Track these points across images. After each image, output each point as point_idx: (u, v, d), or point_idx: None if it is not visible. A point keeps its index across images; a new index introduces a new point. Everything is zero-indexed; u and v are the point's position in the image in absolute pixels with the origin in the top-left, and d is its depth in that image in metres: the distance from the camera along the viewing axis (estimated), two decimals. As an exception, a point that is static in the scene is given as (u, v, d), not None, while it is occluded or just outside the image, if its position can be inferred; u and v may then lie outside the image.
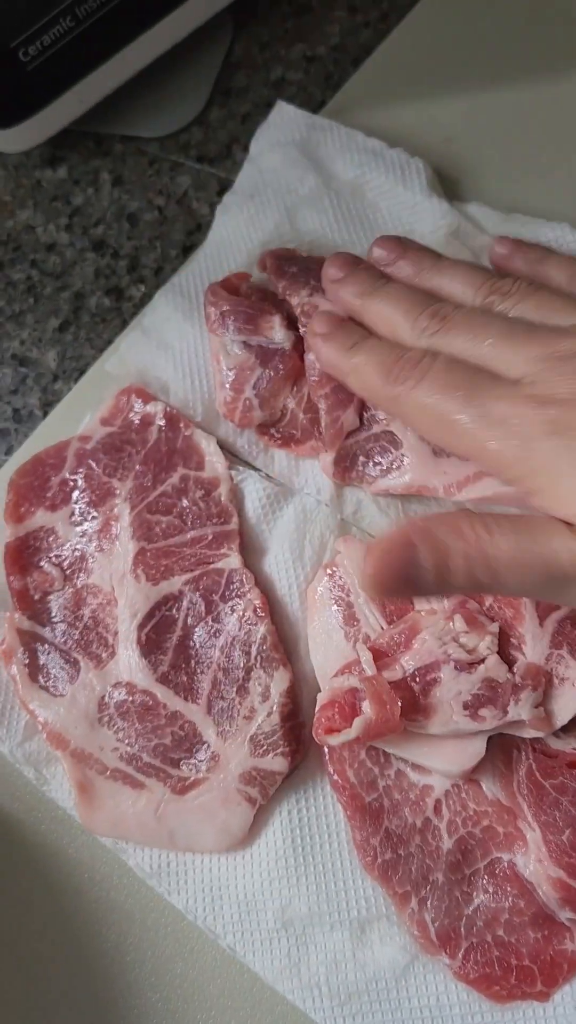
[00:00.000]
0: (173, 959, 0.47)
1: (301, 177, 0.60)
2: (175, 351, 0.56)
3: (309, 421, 0.52)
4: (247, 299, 0.55)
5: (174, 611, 0.50)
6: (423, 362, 0.41)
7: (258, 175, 0.61)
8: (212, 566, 0.50)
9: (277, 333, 0.53)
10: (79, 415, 0.58)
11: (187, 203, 0.66)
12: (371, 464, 0.51)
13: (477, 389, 0.38)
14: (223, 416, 0.53)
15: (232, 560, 0.50)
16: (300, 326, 0.53)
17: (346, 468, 0.51)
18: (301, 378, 0.53)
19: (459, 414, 0.38)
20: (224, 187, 0.66)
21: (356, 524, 0.52)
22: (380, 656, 0.46)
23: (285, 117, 0.63)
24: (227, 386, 0.53)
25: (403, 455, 0.50)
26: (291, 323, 0.54)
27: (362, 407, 0.51)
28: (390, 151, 0.59)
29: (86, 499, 0.53)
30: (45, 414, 0.62)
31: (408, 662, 0.45)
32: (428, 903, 0.44)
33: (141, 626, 0.50)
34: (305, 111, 0.63)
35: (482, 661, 0.44)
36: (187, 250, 0.64)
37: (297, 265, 0.55)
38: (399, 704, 0.43)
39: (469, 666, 0.44)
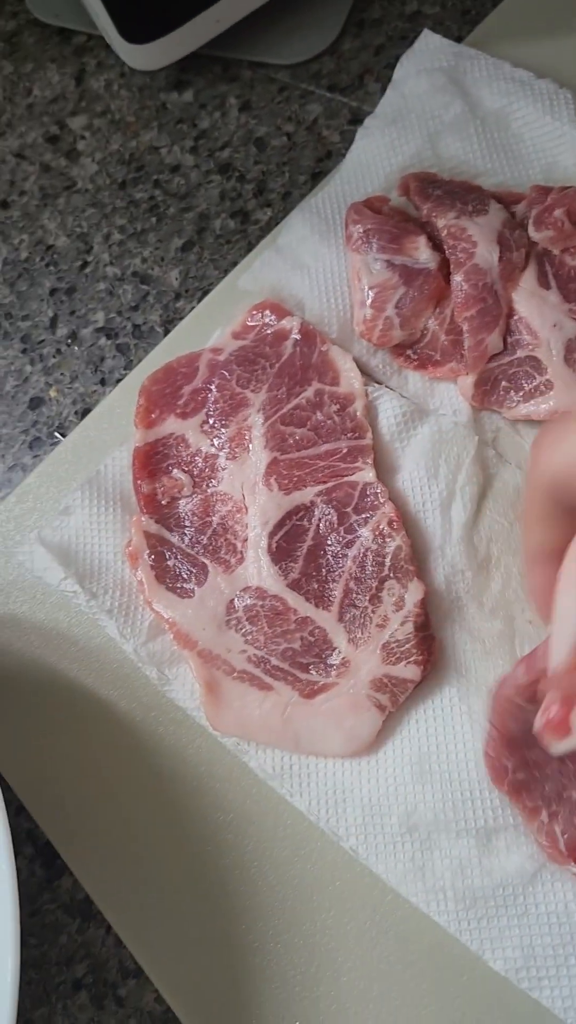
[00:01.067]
0: (291, 861, 0.47)
1: (447, 103, 0.59)
2: (310, 270, 0.57)
3: (450, 343, 0.52)
4: (390, 219, 0.54)
5: (305, 521, 0.50)
6: None
7: (401, 100, 0.61)
8: (346, 479, 0.50)
9: (422, 253, 0.52)
10: (202, 332, 0.58)
11: (317, 130, 0.66)
12: (513, 389, 0.51)
13: None
14: (360, 335, 0.53)
15: (367, 474, 0.50)
16: (446, 248, 0.53)
17: (487, 392, 0.51)
18: (444, 300, 0.53)
19: None
20: (356, 117, 0.66)
21: (494, 447, 0.51)
22: None
23: (431, 45, 0.62)
24: (367, 304, 0.53)
25: (548, 380, 0.50)
26: (436, 245, 0.53)
27: (507, 331, 0.51)
28: (538, 81, 0.59)
29: (219, 408, 0.53)
30: (166, 332, 0.62)
31: None
32: (559, 816, 0.44)
33: (272, 534, 0.50)
34: (450, 41, 0.62)
35: None
36: (316, 176, 0.64)
37: (441, 188, 0.54)
38: None
39: None
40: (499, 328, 0.51)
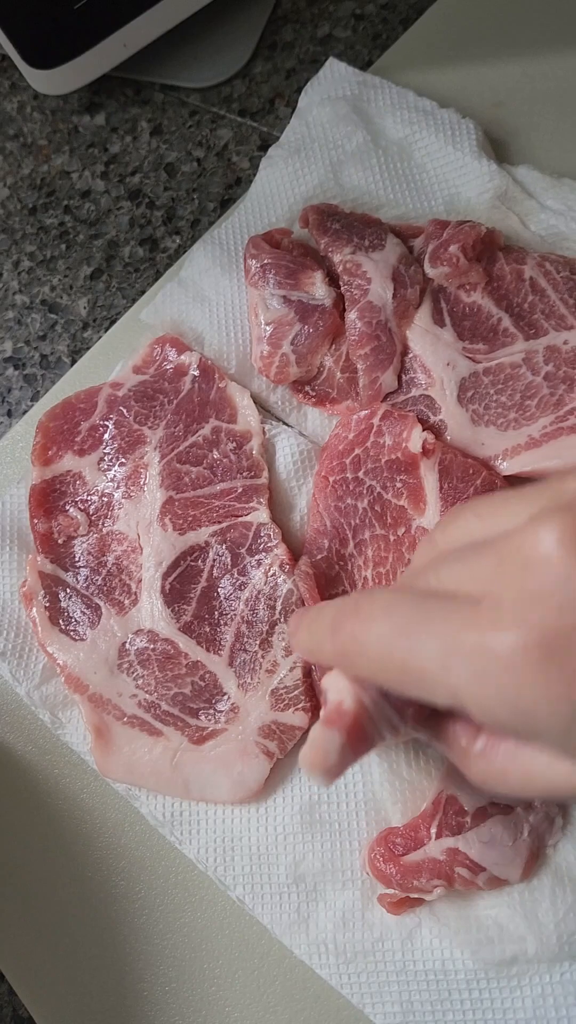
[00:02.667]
0: (182, 908, 0.47)
1: (349, 133, 0.59)
2: (211, 303, 0.56)
3: (346, 380, 0.52)
4: (288, 253, 0.54)
5: (200, 562, 0.49)
6: None
7: (305, 129, 0.60)
8: (240, 519, 0.50)
9: (319, 289, 0.52)
10: (108, 363, 0.58)
11: (227, 156, 0.65)
12: (407, 428, 0.50)
13: None
14: (258, 371, 0.53)
15: (261, 514, 0.50)
16: (341, 284, 0.52)
17: None
18: (340, 336, 0.52)
19: None
20: (265, 142, 0.65)
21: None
22: None
23: (336, 73, 0.62)
24: (264, 341, 0.52)
25: (442, 420, 0.49)
26: (333, 280, 0.53)
27: (401, 369, 0.51)
28: (441, 111, 0.58)
29: (116, 445, 0.52)
30: (73, 361, 0.61)
31: None
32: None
33: (166, 575, 0.49)
34: (356, 69, 0.62)
35: None
36: (225, 203, 0.64)
37: (340, 222, 0.54)
38: None
39: None
40: (393, 366, 0.50)
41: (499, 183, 0.55)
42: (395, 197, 0.57)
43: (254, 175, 0.63)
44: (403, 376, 0.51)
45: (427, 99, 0.59)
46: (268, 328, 0.52)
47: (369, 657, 0.30)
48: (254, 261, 0.53)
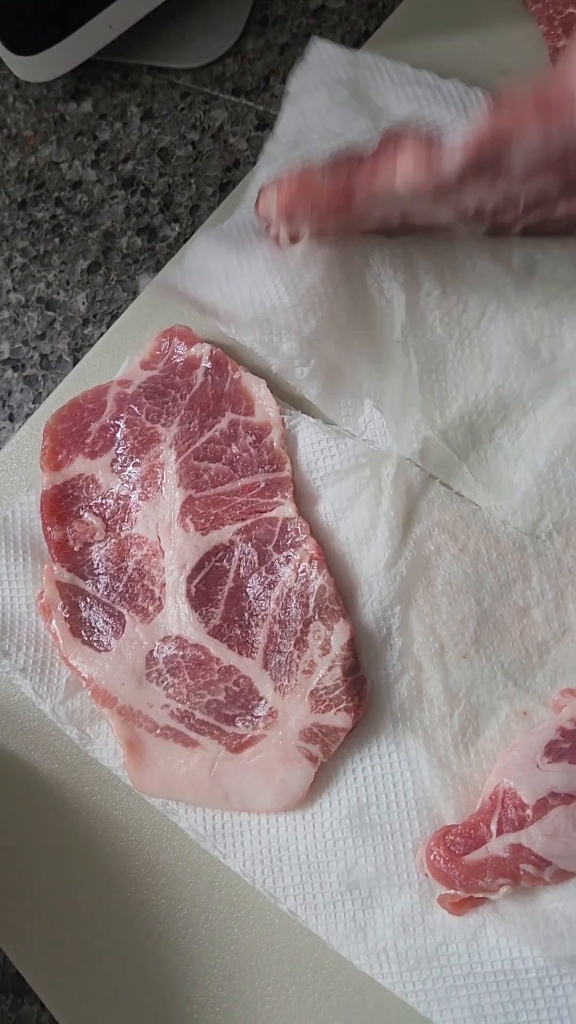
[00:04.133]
0: (228, 924, 0.45)
1: (350, 120, 0.55)
2: (234, 281, 0.52)
3: None
4: None
5: (225, 562, 0.47)
6: None
7: (301, 119, 0.57)
8: (265, 515, 0.48)
9: None
10: (113, 360, 0.55)
11: (223, 138, 0.63)
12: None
13: None
14: None
15: (286, 508, 0.48)
16: None
17: None
18: None
19: None
20: (262, 121, 0.63)
21: (418, 463, 0.49)
22: None
23: (324, 55, 0.58)
24: None
25: None
26: None
27: None
28: (445, 82, 0.56)
29: (129, 445, 0.50)
30: (76, 360, 0.59)
31: None
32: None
33: (191, 578, 0.47)
34: (345, 47, 0.59)
35: None
36: (224, 187, 0.61)
37: None
38: None
39: None
40: None
41: None
42: None
43: (253, 156, 0.61)
44: None
45: (427, 72, 0.56)
46: None
47: None
48: None
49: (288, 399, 0.52)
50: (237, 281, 0.52)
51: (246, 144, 0.62)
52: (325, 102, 0.57)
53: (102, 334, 0.58)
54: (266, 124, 0.62)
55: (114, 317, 0.59)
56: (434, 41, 0.60)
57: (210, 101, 0.64)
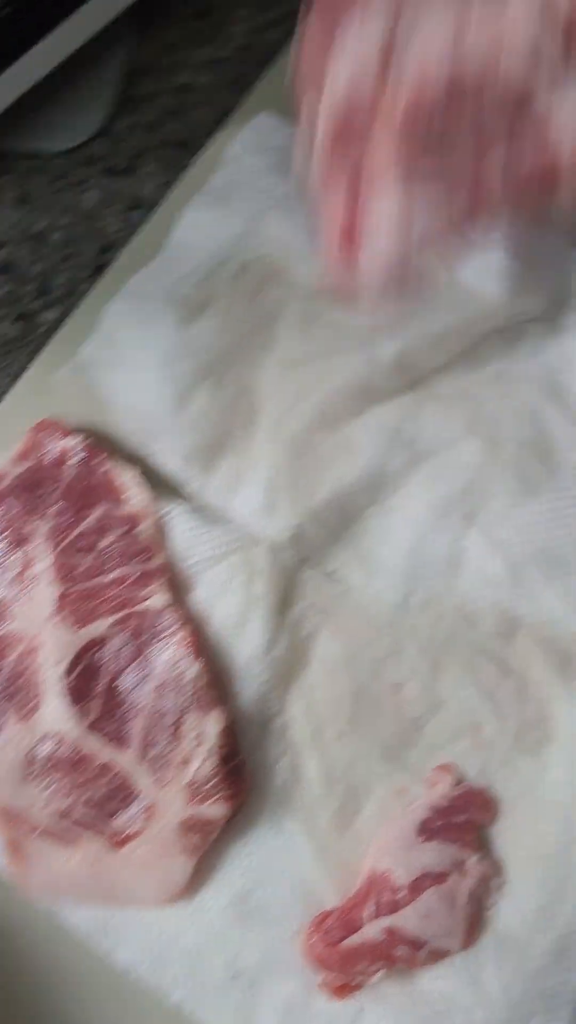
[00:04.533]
0: (120, 1022, 0.45)
1: (275, 183, 0.57)
2: (125, 367, 0.54)
3: None
4: None
5: (101, 656, 0.48)
6: None
7: (230, 178, 0.59)
8: (138, 607, 0.48)
9: None
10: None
11: (97, 220, 0.63)
12: None
13: None
14: None
15: (158, 599, 0.48)
16: None
17: None
18: None
19: None
20: (135, 202, 0.63)
21: (290, 547, 0.50)
22: None
23: (266, 125, 0.60)
24: None
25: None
26: None
27: None
28: None
29: (3, 541, 0.50)
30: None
31: None
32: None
33: (67, 673, 0.47)
34: (285, 120, 0.60)
35: None
36: (99, 269, 0.62)
37: None
38: None
39: None
40: None
41: None
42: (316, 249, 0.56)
43: (127, 237, 0.62)
44: None
45: None
46: None
47: None
48: None
49: (163, 483, 0.52)
50: (135, 367, 0.54)
51: (119, 224, 0.63)
52: (256, 165, 0.59)
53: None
54: (139, 204, 0.63)
55: (-9, 408, 0.59)
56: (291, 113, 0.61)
57: (82, 183, 0.65)
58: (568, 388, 0.52)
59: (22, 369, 0.60)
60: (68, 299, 0.61)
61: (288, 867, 0.45)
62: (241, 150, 0.60)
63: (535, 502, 0.49)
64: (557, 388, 0.52)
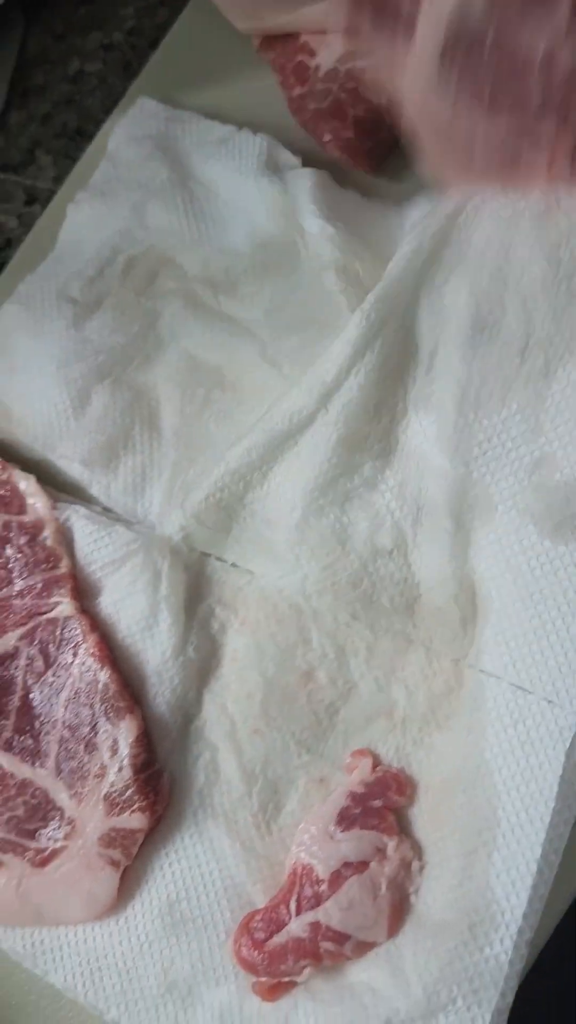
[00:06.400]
0: (61, 1041, 0.44)
1: (155, 172, 0.56)
2: (18, 370, 0.52)
3: None
4: None
5: (12, 670, 0.46)
6: None
7: (112, 171, 0.57)
8: (45, 615, 0.47)
9: None
10: None
11: (-7, 218, 0.62)
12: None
13: None
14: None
15: (65, 607, 0.47)
16: None
17: None
18: None
19: None
20: (31, 196, 0.62)
21: (185, 544, 0.48)
22: None
23: (145, 111, 0.59)
24: None
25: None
26: None
27: None
28: (238, 134, 0.56)
29: None
30: None
31: None
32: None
33: (-22, 691, 0.46)
34: (166, 105, 0.59)
35: None
36: (-2, 269, 0.60)
37: None
38: None
39: None
40: None
41: (280, 201, 0.53)
42: (200, 236, 0.54)
43: (24, 234, 0.60)
44: None
45: (229, 125, 0.56)
46: None
47: None
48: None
49: (64, 487, 0.51)
50: (30, 373, 0.52)
51: (16, 222, 0.61)
52: (135, 155, 0.57)
53: None
54: (35, 198, 0.61)
55: None
56: (181, 96, 0.59)
57: (-23, 181, 0.63)
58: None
59: None
60: (-33, 304, 0.60)
61: (215, 871, 0.43)
62: (121, 140, 0.58)
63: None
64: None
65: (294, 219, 0.54)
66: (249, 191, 0.55)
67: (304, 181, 0.54)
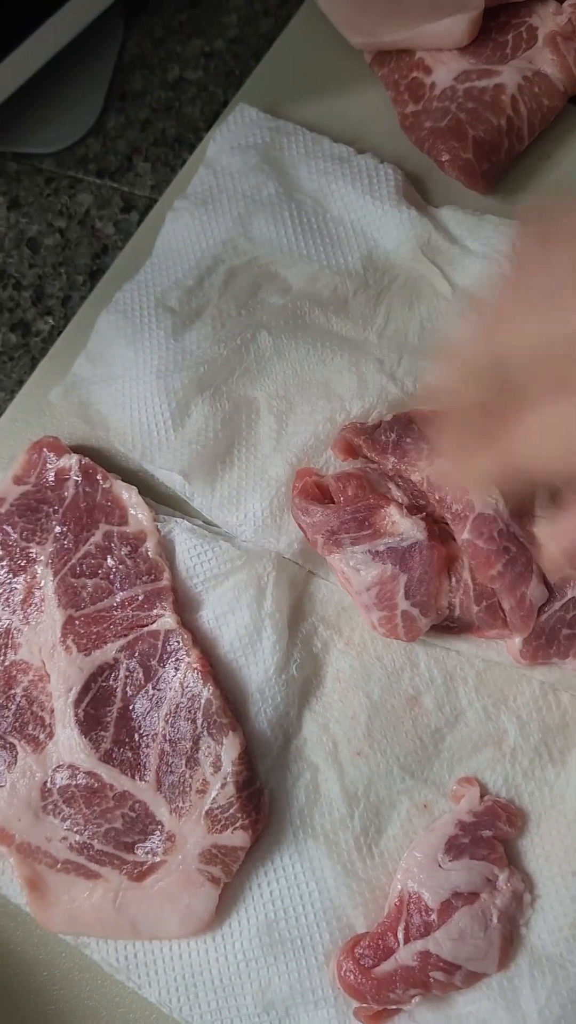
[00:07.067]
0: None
1: (260, 184, 0.55)
2: (117, 381, 0.52)
3: (486, 610, 0.44)
4: (345, 499, 0.46)
5: (111, 681, 0.46)
6: None
7: (213, 179, 0.56)
8: (146, 628, 0.47)
9: (402, 525, 0.45)
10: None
11: (90, 223, 0.61)
12: None
13: None
14: (383, 634, 0.45)
15: (167, 620, 0.47)
16: (430, 502, 0.45)
17: (542, 646, 0.44)
18: (455, 563, 0.45)
19: None
20: (128, 203, 0.61)
21: (294, 560, 0.48)
22: None
23: (246, 119, 0.58)
24: (374, 607, 0.45)
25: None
26: (412, 502, 0.46)
27: (544, 575, 0.44)
28: (358, 157, 0.55)
29: (5, 568, 0.49)
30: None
31: None
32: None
33: (77, 701, 0.46)
34: (268, 114, 0.58)
35: None
36: (94, 275, 0.60)
37: (395, 431, 0.47)
38: None
39: None
40: (535, 574, 0.44)
41: (420, 232, 0.53)
42: (308, 252, 0.54)
43: (121, 241, 0.60)
44: (548, 581, 0.44)
45: (343, 145, 0.56)
46: (371, 593, 0.45)
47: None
48: (315, 532, 0.46)
49: (164, 500, 0.51)
50: (129, 382, 0.52)
51: (113, 228, 0.61)
52: (239, 165, 0.57)
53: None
54: (132, 206, 0.61)
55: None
56: (286, 107, 0.59)
57: (75, 185, 0.63)
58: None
59: (19, 382, 0.58)
60: (63, 307, 0.60)
61: (314, 892, 0.43)
62: (222, 148, 0.58)
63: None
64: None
65: (430, 255, 0.53)
66: (376, 216, 0.54)
67: (464, 220, 0.54)
